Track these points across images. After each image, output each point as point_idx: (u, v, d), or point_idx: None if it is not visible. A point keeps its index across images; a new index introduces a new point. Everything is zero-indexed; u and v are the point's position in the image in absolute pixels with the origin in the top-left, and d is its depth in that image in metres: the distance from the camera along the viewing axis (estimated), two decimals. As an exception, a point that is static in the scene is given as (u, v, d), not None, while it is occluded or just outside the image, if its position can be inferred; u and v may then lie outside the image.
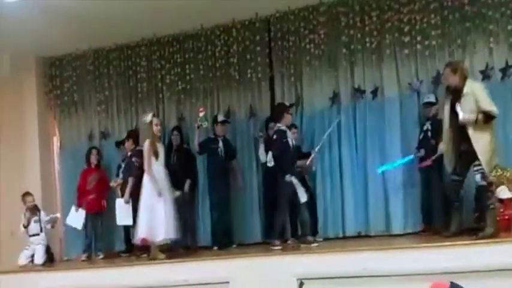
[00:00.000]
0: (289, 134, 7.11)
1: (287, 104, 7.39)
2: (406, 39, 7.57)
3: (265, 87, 8.35)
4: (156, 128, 7.13)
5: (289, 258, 6.45)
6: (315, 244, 6.82)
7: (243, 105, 8.42)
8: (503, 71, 7.10)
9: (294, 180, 6.91)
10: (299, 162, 7.32)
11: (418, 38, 7.51)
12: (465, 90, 5.98)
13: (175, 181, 7.50)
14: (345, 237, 7.64)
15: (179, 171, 7.85)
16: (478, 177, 5.94)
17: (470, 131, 5.91)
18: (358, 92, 7.77)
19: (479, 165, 5.91)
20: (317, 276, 5.98)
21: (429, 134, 7.06)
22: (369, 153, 7.63)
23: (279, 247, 6.86)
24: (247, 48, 8.35)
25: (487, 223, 5.85)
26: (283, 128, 7.10)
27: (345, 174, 7.73)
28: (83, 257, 8.35)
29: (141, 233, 6.92)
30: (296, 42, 8.14)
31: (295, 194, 6.93)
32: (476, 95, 5.92)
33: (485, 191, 5.97)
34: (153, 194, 6.91)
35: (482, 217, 6.03)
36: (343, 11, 7.88)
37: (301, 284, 6.06)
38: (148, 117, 7.16)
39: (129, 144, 8.10)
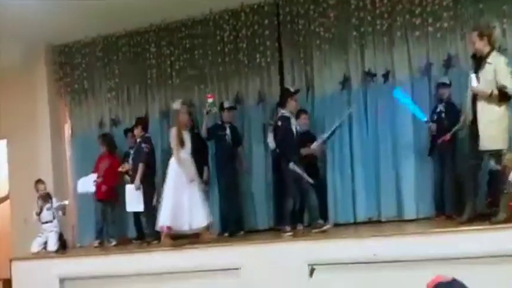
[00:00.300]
0: (293, 120, 7.05)
1: (292, 90, 7.28)
2: (418, 21, 7.45)
3: (275, 71, 8.27)
4: (183, 116, 7.10)
5: (300, 244, 6.41)
6: (327, 226, 6.76)
7: (252, 90, 8.36)
8: (517, 52, 6.96)
9: (297, 168, 6.85)
10: (303, 151, 7.25)
11: (430, 20, 7.39)
12: (489, 59, 5.76)
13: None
14: (356, 223, 7.60)
15: (194, 156, 7.85)
16: (491, 161, 5.83)
17: (480, 104, 5.75)
18: (369, 75, 7.67)
19: (495, 150, 5.79)
20: (328, 262, 5.96)
21: (443, 115, 6.96)
22: (380, 137, 7.56)
23: (290, 233, 6.84)
24: (256, 32, 8.27)
25: (499, 208, 5.76)
26: (287, 114, 7.03)
27: (356, 159, 7.66)
28: (96, 243, 8.41)
29: (164, 221, 6.88)
30: (305, 26, 8.05)
31: (300, 180, 6.88)
32: (497, 68, 5.70)
33: (499, 176, 5.87)
34: (179, 181, 6.89)
35: (495, 202, 5.94)
36: (353, -7, 7.77)
37: (312, 270, 6.05)
38: (177, 105, 7.15)
39: (138, 131, 8.08)
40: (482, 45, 5.85)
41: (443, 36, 7.34)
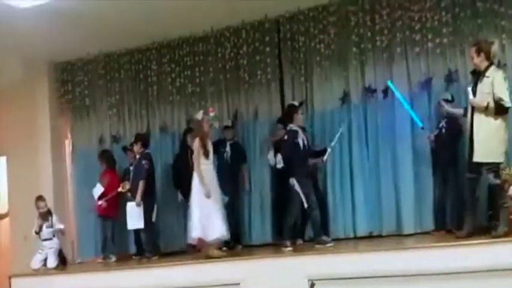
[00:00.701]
0: (300, 134, 7.02)
1: (296, 104, 7.27)
2: (417, 37, 7.47)
3: (275, 88, 8.30)
4: (206, 126, 7.07)
5: (300, 259, 6.40)
6: (330, 244, 6.73)
7: (253, 107, 8.38)
8: (515, 67, 6.97)
9: (296, 184, 6.82)
10: (312, 161, 7.24)
11: (429, 36, 7.41)
12: (487, 73, 5.84)
13: None
14: (356, 238, 7.55)
15: None
16: (490, 176, 5.82)
17: (477, 117, 5.80)
18: (369, 91, 7.68)
19: (491, 163, 5.80)
20: (328, 277, 5.94)
21: (443, 130, 6.95)
22: (380, 152, 7.54)
23: (290, 248, 6.80)
24: (257, 49, 8.32)
25: (500, 222, 5.74)
26: (295, 128, 7.03)
27: (356, 174, 7.64)
28: (100, 259, 8.48)
29: (196, 234, 6.80)
30: (306, 43, 8.09)
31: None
32: (494, 81, 5.77)
33: (498, 190, 5.86)
34: (202, 192, 6.84)
35: (495, 216, 5.90)
36: (353, 10, 7.81)
37: (312, 285, 6.02)
38: (199, 115, 7.12)
39: (137, 148, 8.09)
40: (479, 61, 5.93)
41: (443, 52, 7.36)
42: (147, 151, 8.10)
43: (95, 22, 7.63)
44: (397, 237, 7.22)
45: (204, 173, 6.91)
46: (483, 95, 5.78)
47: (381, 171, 7.50)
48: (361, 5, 7.77)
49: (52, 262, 8.01)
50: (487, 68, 5.88)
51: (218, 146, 7.85)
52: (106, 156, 8.73)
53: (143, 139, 8.22)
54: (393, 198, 7.41)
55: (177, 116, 8.84)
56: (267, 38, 8.29)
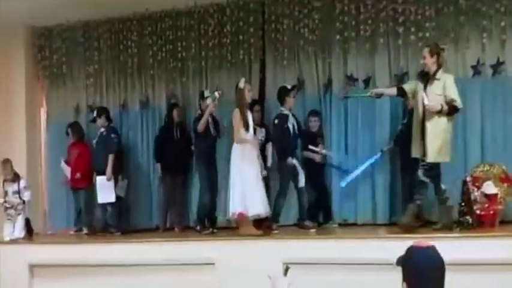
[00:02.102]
0: (291, 118, 7.08)
1: (289, 87, 7.29)
2: (400, 29, 7.54)
3: (256, 69, 8.29)
4: (248, 95, 6.94)
5: (275, 242, 6.53)
6: (313, 230, 6.86)
7: (233, 86, 8.32)
8: (494, 67, 7.13)
9: (296, 162, 6.89)
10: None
11: (412, 29, 7.48)
12: (437, 76, 6.13)
13: (181, 158, 7.83)
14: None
15: (184, 148, 7.95)
16: (420, 172, 6.13)
17: (428, 118, 6.07)
18: (351, 79, 7.76)
19: (424, 161, 6.09)
20: (303, 261, 6.04)
21: (403, 130, 7.04)
22: (358, 142, 7.66)
23: (277, 231, 6.90)
24: (241, 29, 8.26)
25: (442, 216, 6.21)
26: (286, 112, 7.08)
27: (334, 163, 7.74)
28: (72, 231, 8.43)
29: (237, 207, 6.65)
30: (290, 26, 8.05)
31: (295, 177, 6.93)
32: (446, 84, 6.07)
33: (422, 188, 6.18)
34: (245, 165, 6.66)
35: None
36: (338, -3, 7.80)
37: (286, 268, 6.11)
38: (242, 83, 6.95)
39: (102, 121, 8.12)
40: (431, 62, 6.21)
41: (424, 46, 7.46)
42: (112, 125, 8.15)
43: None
44: (371, 226, 7.37)
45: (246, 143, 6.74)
46: (435, 97, 6.05)
47: (359, 162, 7.57)
48: (347, -8, 7.78)
49: (18, 232, 7.81)
50: (436, 71, 6.15)
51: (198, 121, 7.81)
52: (76, 128, 8.62)
53: (107, 112, 8.22)
54: (369, 188, 7.54)
55: (157, 91, 8.73)
56: (252, 19, 8.22)
